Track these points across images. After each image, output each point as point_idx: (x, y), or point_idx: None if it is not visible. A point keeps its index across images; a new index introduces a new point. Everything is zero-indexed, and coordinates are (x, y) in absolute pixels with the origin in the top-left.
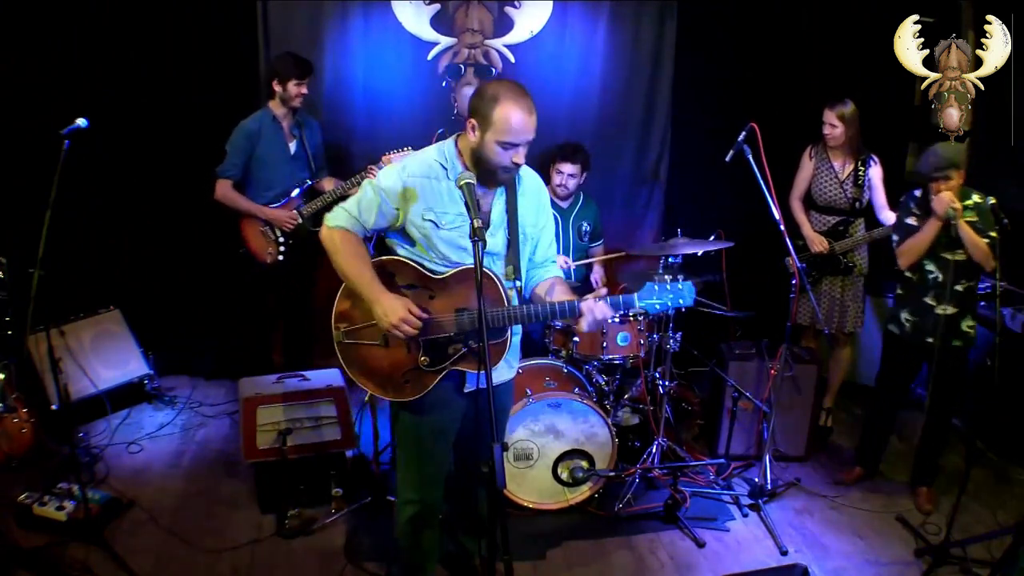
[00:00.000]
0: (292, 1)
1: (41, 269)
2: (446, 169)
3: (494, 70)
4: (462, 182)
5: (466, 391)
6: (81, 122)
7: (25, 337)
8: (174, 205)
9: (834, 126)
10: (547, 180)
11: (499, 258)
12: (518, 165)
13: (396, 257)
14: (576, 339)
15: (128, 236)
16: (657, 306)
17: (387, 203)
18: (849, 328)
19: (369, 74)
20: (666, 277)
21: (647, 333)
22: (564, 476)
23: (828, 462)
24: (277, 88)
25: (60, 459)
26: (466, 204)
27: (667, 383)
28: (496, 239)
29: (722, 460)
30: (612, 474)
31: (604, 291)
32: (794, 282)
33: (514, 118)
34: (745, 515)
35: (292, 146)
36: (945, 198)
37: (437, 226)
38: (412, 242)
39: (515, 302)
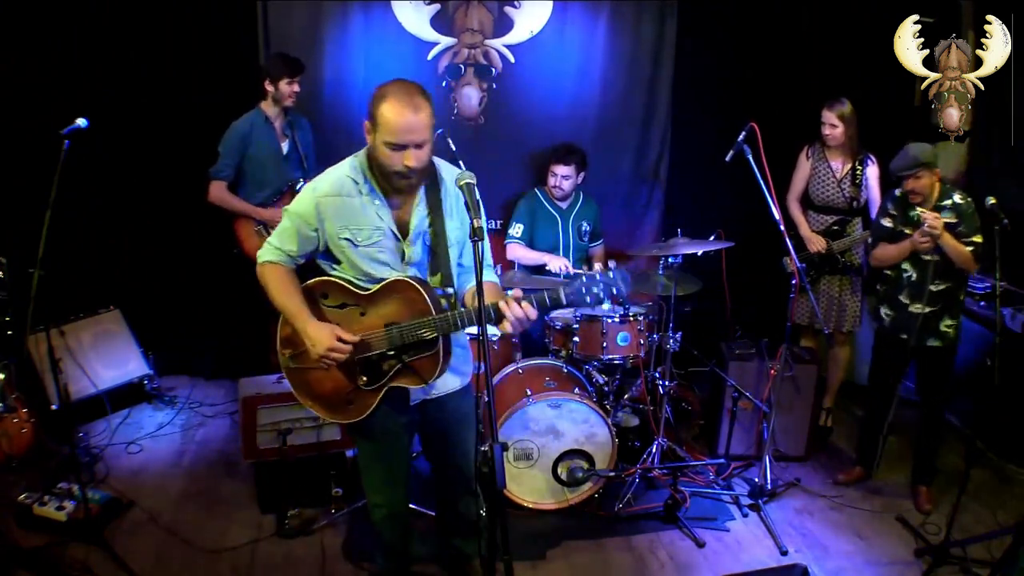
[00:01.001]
0: (292, 1)
1: (41, 269)
2: (357, 184)
3: (494, 70)
4: (462, 182)
5: (412, 404)
6: (81, 122)
7: (25, 337)
8: (174, 205)
9: (834, 126)
10: (545, 181)
11: (422, 267)
12: (410, 169)
13: (326, 278)
14: (576, 339)
15: (128, 236)
16: (588, 299)
17: (303, 227)
18: (847, 327)
19: (369, 74)
20: (595, 268)
21: (647, 333)
22: (564, 476)
23: (828, 462)
24: (269, 88)
25: (60, 459)
26: (466, 204)
27: (667, 383)
28: (416, 248)
29: (722, 460)
30: (612, 474)
31: (521, 292)
32: (794, 282)
33: (397, 116)
34: (745, 515)
35: (284, 146)
36: (928, 222)
37: (354, 244)
38: (338, 261)
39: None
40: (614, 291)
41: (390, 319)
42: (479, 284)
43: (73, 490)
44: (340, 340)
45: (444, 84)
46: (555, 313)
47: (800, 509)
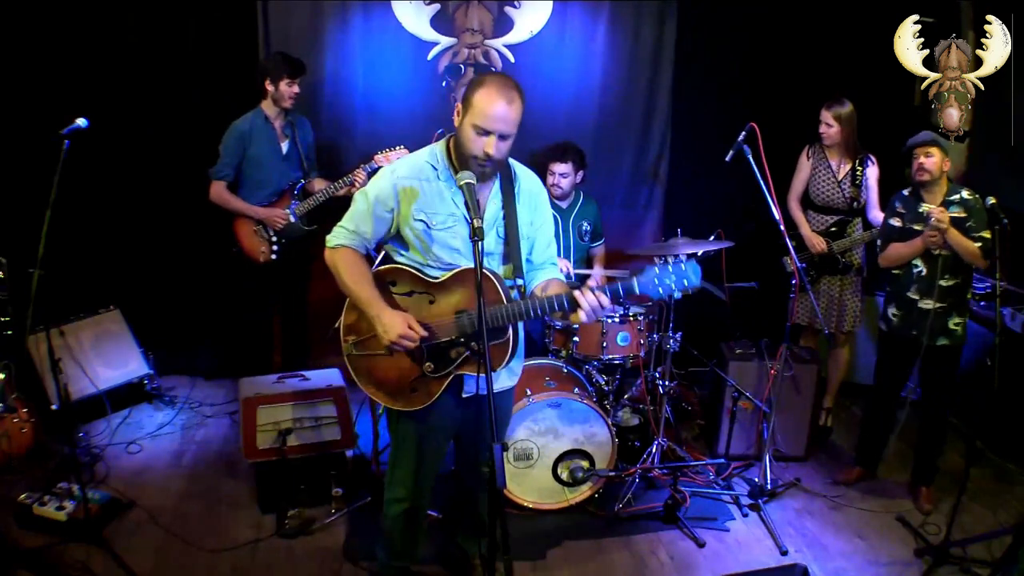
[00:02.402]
0: (292, 1)
1: (41, 269)
2: (436, 170)
3: (494, 70)
4: (462, 182)
5: (464, 396)
6: (81, 122)
7: (25, 337)
8: (174, 205)
9: (829, 125)
10: (544, 181)
11: (495, 257)
12: (489, 156)
13: (394, 265)
14: (576, 339)
15: (128, 236)
16: (660, 290)
17: (379, 208)
18: (848, 327)
19: (369, 74)
20: (668, 259)
21: (647, 333)
22: (564, 476)
23: (828, 462)
24: (269, 88)
25: (60, 459)
26: (466, 204)
27: (667, 383)
28: (489, 238)
29: (722, 460)
30: (612, 474)
31: (598, 281)
32: (794, 282)
33: (492, 102)
34: (745, 515)
35: (284, 146)
36: (935, 217)
37: (428, 226)
38: (408, 246)
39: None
40: (686, 283)
41: (460, 307)
42: (479, 284)
43: (73, 490)
44: (412, 328)
45: (444, 84)
46: None
47: (800, 509)
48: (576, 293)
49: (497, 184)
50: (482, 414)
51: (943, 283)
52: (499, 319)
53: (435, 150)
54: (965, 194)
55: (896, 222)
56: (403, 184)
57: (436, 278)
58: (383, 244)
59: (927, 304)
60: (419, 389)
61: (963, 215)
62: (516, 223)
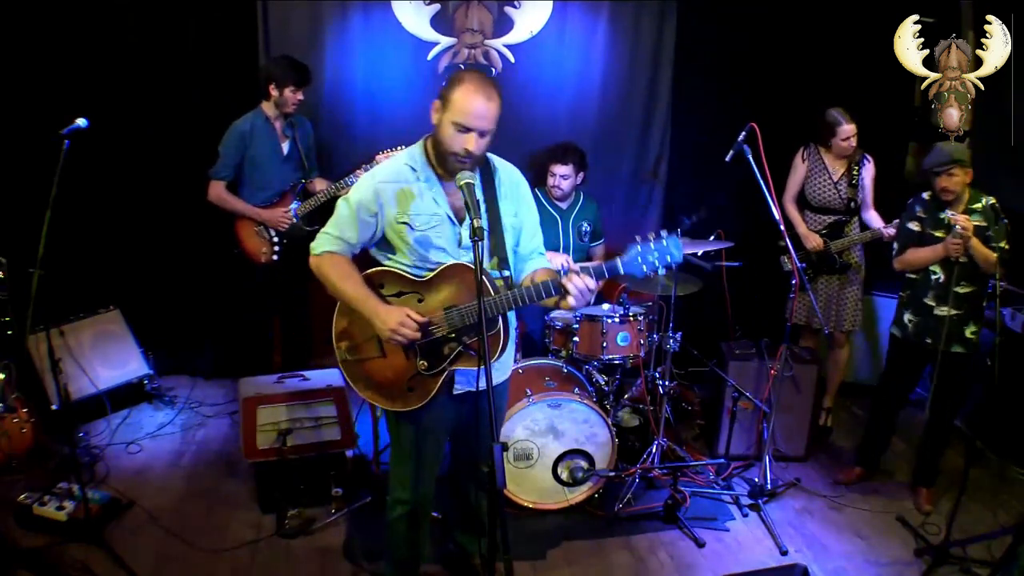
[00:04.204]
0: (292, 1)
1: (41, 269)
2: (416, 171)
3: (494, 70)
4: (462, 182)
5: (456, 392)
6: (81, 122)
7: (25, 337)
8: (174, 205)
9: (854, 136)
10: (545, 182)
11: (482, 250)
12: (469, 153)
13: (381, 268)
14: (576, 339)
15: (128, 236)
16: (644, 267)
17: (363, 213)
18: (847, 327)
19: (369, 74)
20: (649, 236)
21: (647, 333)
22: (564, 476)
23: (828, 462)
24: (273, 92)
25: (60, 459)
26: (466, 203)
27: (667, 383)
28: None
29: (722, 460)
30: (612, 474)
31: (575, 264)
32: (793, 281)
33: (471, 99)
34: (745, 515)
35: (285, 146)
36: (959, 225)
37: (411, 228)
38: (393, 249)
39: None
40: (668, 259)
41: (448, 303)
42: (478, 284)
43: (73, 490)
44: (410, 317)
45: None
46: (555, 313)
47: (800, 509)
48: (563, 278)
49: (478, 179)
50: (476, 411)
51: (959, 290)
52: (489, 309)
53: (413, 151)
54: (985, 201)
55: (915, 226)
56: (384, 188)
57: (423, 276)
58: (368, 249)
59: (943, 311)
60: (416, 388)
61: (984, 224)
62: (499, 216)
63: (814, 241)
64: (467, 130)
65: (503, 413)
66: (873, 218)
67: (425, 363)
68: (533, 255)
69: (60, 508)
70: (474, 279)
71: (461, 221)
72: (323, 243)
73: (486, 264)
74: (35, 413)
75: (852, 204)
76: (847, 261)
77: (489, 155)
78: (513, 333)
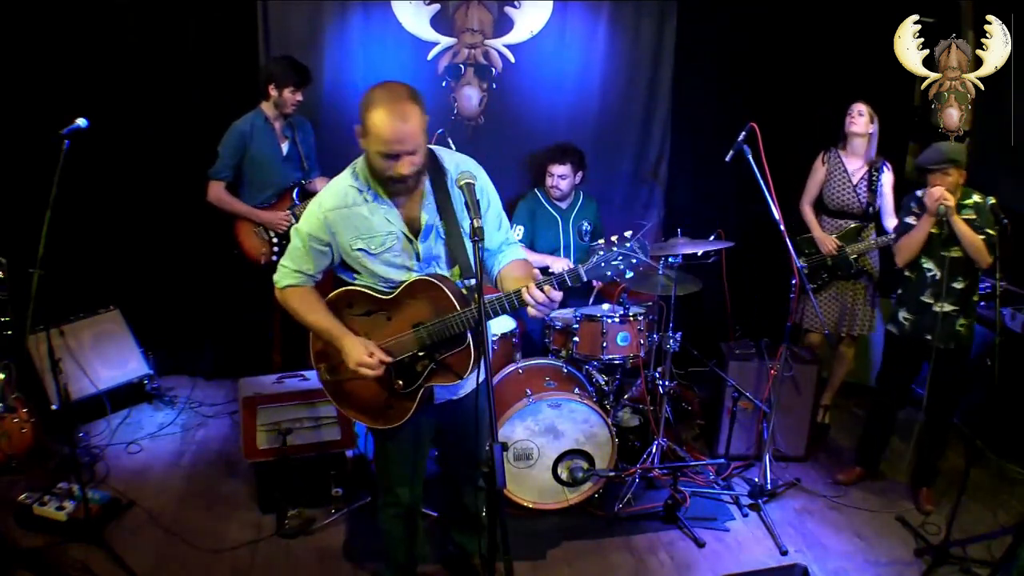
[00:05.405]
0: (292, 1)
1: (41, 269)
2: (362, 192)
3: (494, 70)
4: (461, 183)
5: (437, 403)
6: (81, 122)
7: (25, 337)
8: (174, 205)
9: (860, 114)
10: (544, 181)
11: (440, 260)
12: (403, 176)
13: (348, 287)
14: (576, 339)
15: (128, 236)
16: (609, 273)
17: (315, 244)
18: (858, 331)
19: (369, 74)
20: (614, 242)
21: (647, 333)
22: (564, 476)
23: (828, 462)
24: (272, 93)
25: (60, 459)
26: (466, 204)
27: (667, 383)
28: (430, 242)
29: (722, 460)
30: (612, 474)
31: (540, 274)
32: (793, 282)
33: (385, 127)
34: (745, 515)
35: (284, 147)
36: (935, 193)
37: (368, 253)
38: (356, 271)
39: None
40: (634, 261)
41: (416, 320)
42: (479, 284)
43: (73, 490)
44: (373, 355)
45: (444, 84)
46: (555, 313)
47: (800, 509)
48: (523, 291)
49: (427, 184)
50: (460, 416)
51: (955, 285)
52: (453, 327)
53: (355, 170)
54: (976, 198)
55: (912, 220)
56: (332, 216)
57: (389, 294)
58: (333, 272)
59: (941, 307)
60: (394, 406)
61: (974, 217)
62: (456, 219)
63: (829, 244)
64: (393, 156)
65: (485, 413)
66: (894, 225)
67: (401, 382)
68: (503, 247)
69: (60, 508)
70: (436, 291)
71: (417, 234)
72: (283, 277)
73: (447, 274)
74: (35, 413)
75: (870, 209)
76: (863, 266)
77: (436, 151)
78: (489, 343)
